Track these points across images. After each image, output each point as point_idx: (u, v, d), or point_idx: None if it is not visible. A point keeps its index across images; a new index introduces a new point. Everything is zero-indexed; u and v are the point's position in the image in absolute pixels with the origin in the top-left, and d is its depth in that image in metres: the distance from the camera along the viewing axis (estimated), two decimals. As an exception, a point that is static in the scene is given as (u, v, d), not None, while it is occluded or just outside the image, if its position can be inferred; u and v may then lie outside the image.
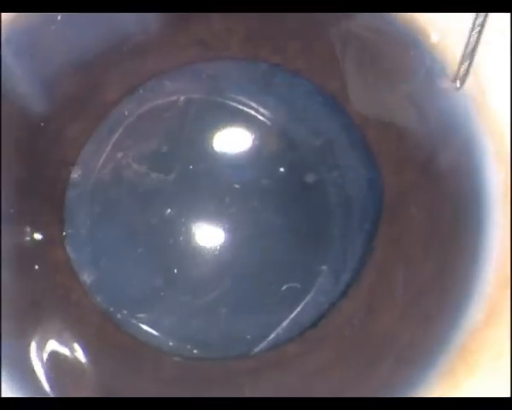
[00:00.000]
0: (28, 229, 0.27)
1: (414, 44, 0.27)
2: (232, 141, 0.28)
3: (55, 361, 0.27)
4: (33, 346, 0.27)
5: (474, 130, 0.27)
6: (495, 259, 0.27)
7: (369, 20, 0.28)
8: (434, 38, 0.27)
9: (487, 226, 0.27)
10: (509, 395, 0.26)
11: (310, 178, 0.28)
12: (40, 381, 0.27)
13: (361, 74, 0.28)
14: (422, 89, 0.28)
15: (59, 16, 0.27)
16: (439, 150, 0.28)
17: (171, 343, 0.28)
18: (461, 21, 0.27)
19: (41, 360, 0.27)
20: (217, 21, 0.28)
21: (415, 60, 0.28)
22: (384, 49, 0.28)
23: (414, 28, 0.27)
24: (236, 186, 0.28)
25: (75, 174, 0.28)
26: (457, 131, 0.27)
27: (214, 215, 0.28)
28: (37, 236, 0.27)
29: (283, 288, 0.28)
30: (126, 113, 0.28)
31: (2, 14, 0.27)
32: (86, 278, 0.28)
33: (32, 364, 0.27)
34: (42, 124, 0.27)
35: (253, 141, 0.28)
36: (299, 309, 0.28)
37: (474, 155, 0.27)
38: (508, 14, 0.27)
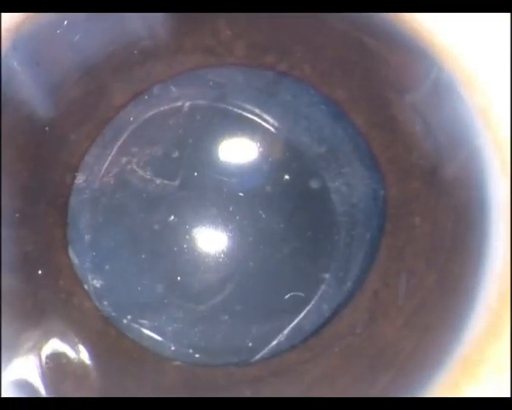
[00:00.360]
0: (32, 233, 0.27)
1: (420, 54, 0.27)
2: (237, 148, 0.28)
3: (56, 364, 0.27)
4: (35, 348, 0.27)
5: (479, 142, 0.27)
6: (498, 271, 0.27)
7: (376, 29, 0.28)
8: (441, 48, 0.27)
9: (490, 238, 0.27)
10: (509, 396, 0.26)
11: (314, 185, 0.28)
12: (40, 383, 0.27)
13: (366, 83, 0.28)
14: (428, 99, 0.27)
15: (65, 21, 0.27)
16: (443, 161, 0.28)
17: (173, 348, 0.28)
18: (469, 33, 0.27)
19: (42, 362, 0.27)
20: (222, 28, 0.28)
21: (421, 70, 0.27)
22: (390, 58, 0.28)
23: (420, 38, 0.27)
24: (241, 194, 0.28)
25: (79, 179, 0.28)
26: (463, 143, 0.27)
27: (218, 222, 0.28)
28: (41, 240, 0.27)
29: (287, 296, 0.28)
30: (131, 118, 0.28)
31: (8, 20, 0.27)
32: (89, 283, 0.28)
33: (32, 366, 0.27)
34: (47, 128, 0.27)
35: (258, 148, 0.28)
36: (301, 317, 0.28)
37: (479, 167, 0.27)
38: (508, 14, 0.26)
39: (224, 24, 0.27)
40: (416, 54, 0.27)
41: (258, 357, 0.28)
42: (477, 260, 0.27)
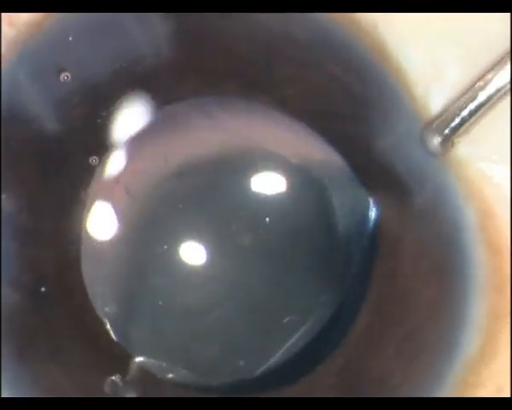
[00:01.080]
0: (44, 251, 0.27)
1: (394, 96, 0.28)
2: (236, 174, 0.28)
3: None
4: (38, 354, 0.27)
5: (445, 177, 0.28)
6: (484, 291, 0.27)
7: (358, 69, 0.28)
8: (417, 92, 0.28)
9: (472, 259, 0.28)
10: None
11: (310, 216, 0.28)
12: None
13: (355, 123, 0.29)
14: (403, 140, 0.28)
15: (70, 37, 0.27)
16: (418, 190, 0.29)
17: (169, 367, 0.28)
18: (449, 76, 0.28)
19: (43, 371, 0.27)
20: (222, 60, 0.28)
21: (395, 112, 0.28)
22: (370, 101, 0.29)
23: (391, 74, 0.28)
24: (241, 213, 0.28)
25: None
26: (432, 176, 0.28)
27: (218, 244, 0.28)
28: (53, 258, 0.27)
29: (284, 320, 0.28)
30: (131, 143, 0.28)
31: (16, 34, 0.26)
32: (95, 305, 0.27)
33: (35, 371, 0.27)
34: (54, 145, 0.27)
35: (255, 173, 0.28)
36: (293, 342, 0.28)
37: (449, 195, 0.28)
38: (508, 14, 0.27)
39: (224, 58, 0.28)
40: (391, 97, 0.28)
41: (249, 379, 0.28)
42: (463, 282, 0.28)
